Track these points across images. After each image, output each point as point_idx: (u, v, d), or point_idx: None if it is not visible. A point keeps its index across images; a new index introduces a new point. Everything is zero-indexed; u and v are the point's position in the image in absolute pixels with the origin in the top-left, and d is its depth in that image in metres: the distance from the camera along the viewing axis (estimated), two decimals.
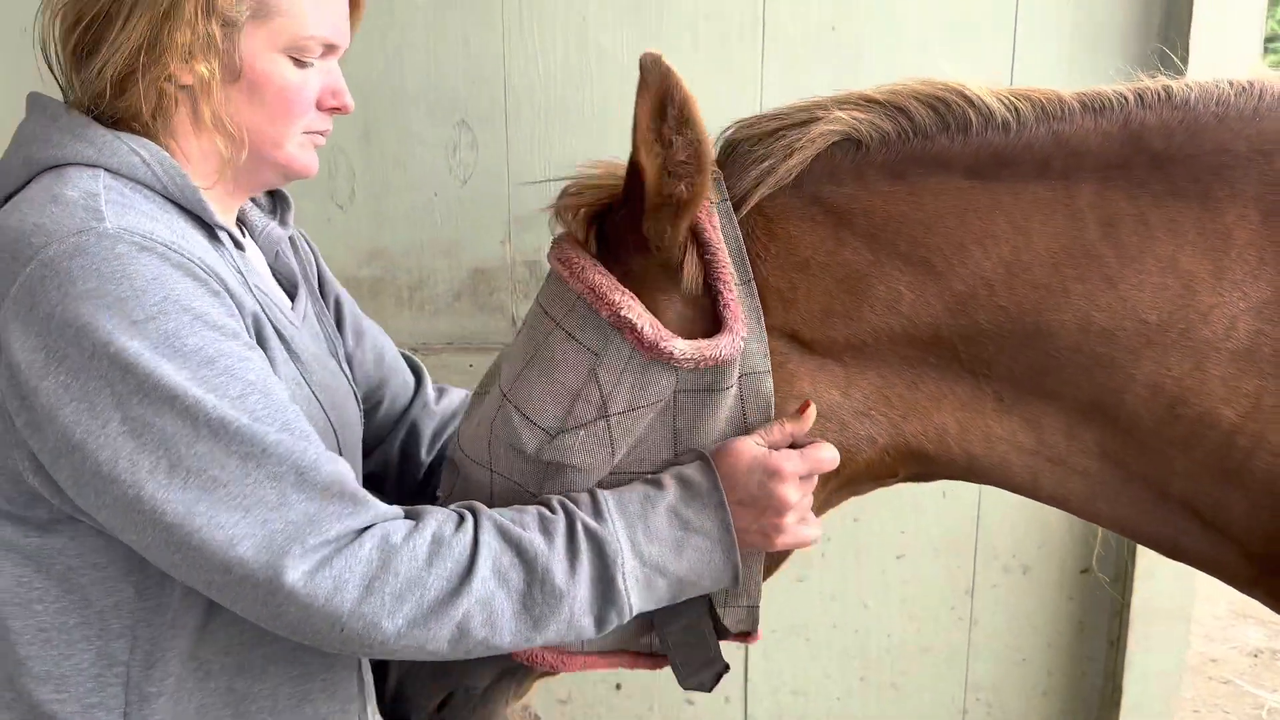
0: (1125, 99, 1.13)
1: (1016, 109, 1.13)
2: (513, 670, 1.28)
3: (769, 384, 1.15)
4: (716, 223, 1.15)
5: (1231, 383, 1.10)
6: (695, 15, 2.00)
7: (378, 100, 2.01)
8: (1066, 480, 1.19)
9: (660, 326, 1.12)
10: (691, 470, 1.14)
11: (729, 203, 1.16)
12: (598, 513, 1.10)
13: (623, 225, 1.17)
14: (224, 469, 1.00)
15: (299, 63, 1.16)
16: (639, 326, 1.11)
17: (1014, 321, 1.13)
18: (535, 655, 1.22)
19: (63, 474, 1.02)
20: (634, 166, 1.12)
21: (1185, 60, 1.91)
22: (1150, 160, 1.11)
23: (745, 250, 1.15)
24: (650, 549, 1.10)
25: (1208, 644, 3.61)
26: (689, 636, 1.22)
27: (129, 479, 0.99)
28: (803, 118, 1.16)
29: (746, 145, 1.17)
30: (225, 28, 1.12)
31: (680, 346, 1.11)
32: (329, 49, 1.19)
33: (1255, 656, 3.59)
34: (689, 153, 1.07)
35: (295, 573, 0.99)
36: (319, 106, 1.20)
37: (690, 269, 1.14)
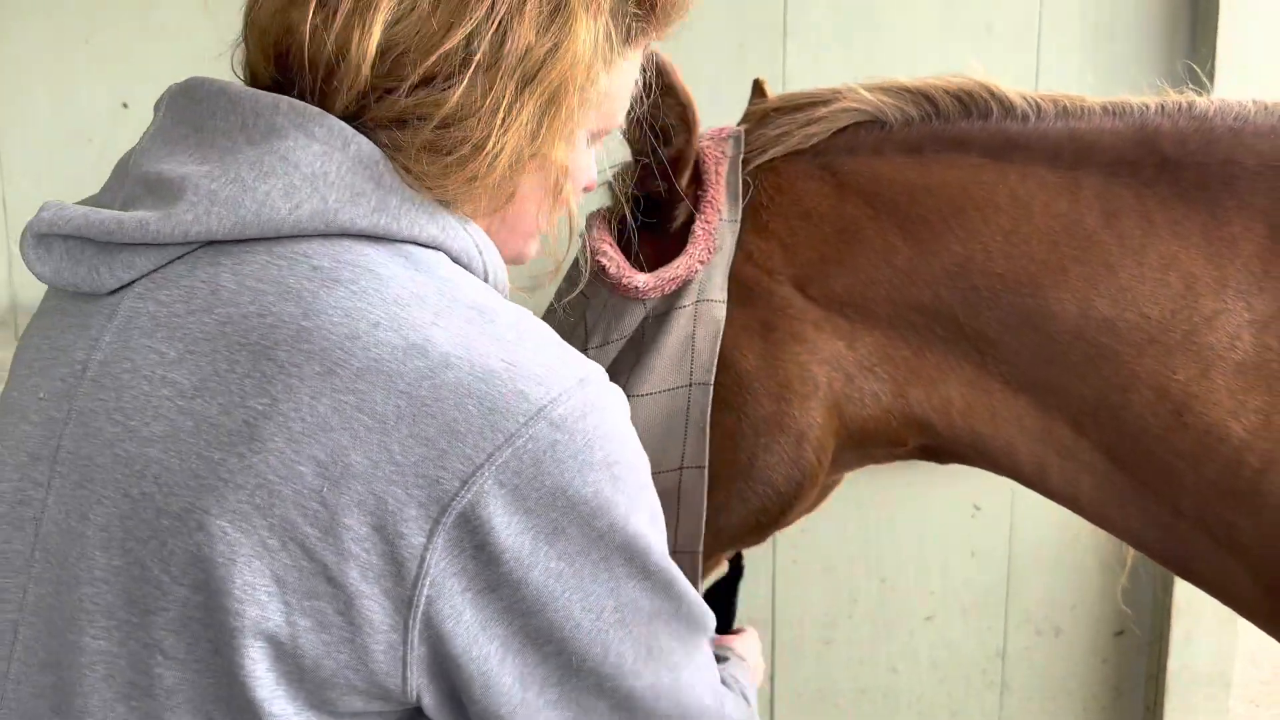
0: (1146, 106, 1.16)
1: (1038, 105, 1.18)
2: None
3: (722, 311, 1.21)
4: (723, 170, 1.23)
5: (1239, 395, 1.09)
6: (716, 28, 2.00)
7: None
8: (1077, 477, 1.19)
9: (625, 265, 1.21)
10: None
11: (741, 156, 1.24)
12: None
13: (637, 186, 1.26)
14: (684, 644, 0.89)
15: (590, 143, 0.98)
16: (607, 268, 1.21)
17: (1012, 293, 1.15)
18: None
19: (502, 676, 0.80)
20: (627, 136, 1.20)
21: (1212, 68, 1.92)
22: (1160, 163, 1.13)
23: (741, 195, 1.22)
24: None
25: (1254, 709, 3.50)
26: None
27: (613, 671, 0.83)
28: (830, 96, 1.24)
29: (774, 113, 1.26)
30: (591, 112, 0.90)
31: (641, 279, 1.20)
32: None
33: None
34: (675, 114, 1.17)
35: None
36: None
37: (683, 215, 1.24)
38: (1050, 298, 1.14)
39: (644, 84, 1.06)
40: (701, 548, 1.22)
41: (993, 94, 1.19)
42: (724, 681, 1.04)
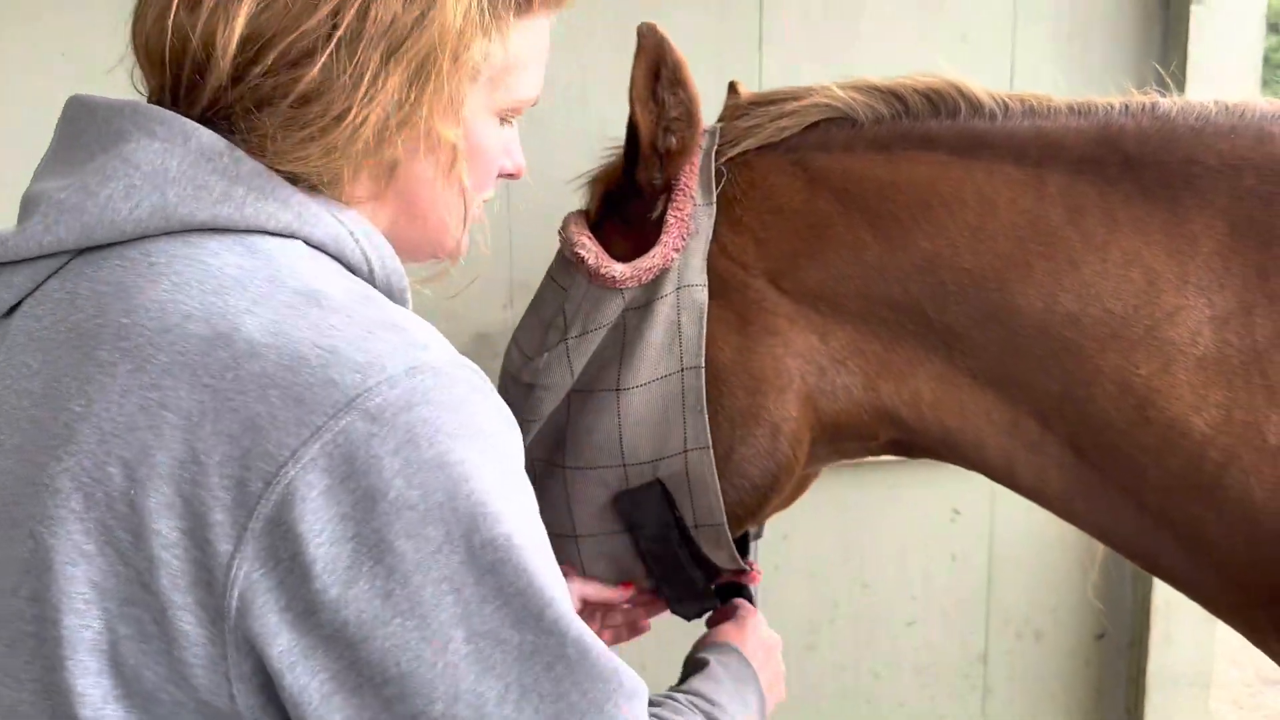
0: (1111, 106, 1.19)
1: (1006, 104, 1.21)
2: None
3: (704, 295, 1.22)
4: (697, 160, 1.25)
5: (1200, 390, 1.11)
6: (693, 37, 2.01)
7: None
8: (1044, 471, 1.20)
9: (603, 256, 1.23)
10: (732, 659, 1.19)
11: (714, 148, 1.26)
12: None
13: (623, 179, 1.28)
14: (587, 700, 0.75)
15: (502, 122, 0.93)
16: (585, 259, 1.23)
17: (978, 288, 1.17)
18: None
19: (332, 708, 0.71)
20: (632, 124, 1.23)
21: (1183, 76, 1.95)
22: (1123, 161, 1.15)
23: (715, 183, 1.24)
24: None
25: (1237, 711, 3.51)
26: (679, 581, 1.31)
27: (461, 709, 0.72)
28: (802, 92, 1.27)
29: (748, 107, 1.29)
30: (470, 84, 0.86)
31: (618, 269, 1.22)
32: None
33: None
34: (680, 110, 1.20)
35: None
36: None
37: (662, 205, 1.25)
38: (1016, 292, 1.16)
39: (650, 74, 1.15)
40: (725, 520, 1.25)
41: (961, 93, 1.21)
42: None
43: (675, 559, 1.28)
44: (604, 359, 1.24)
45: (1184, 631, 2.17)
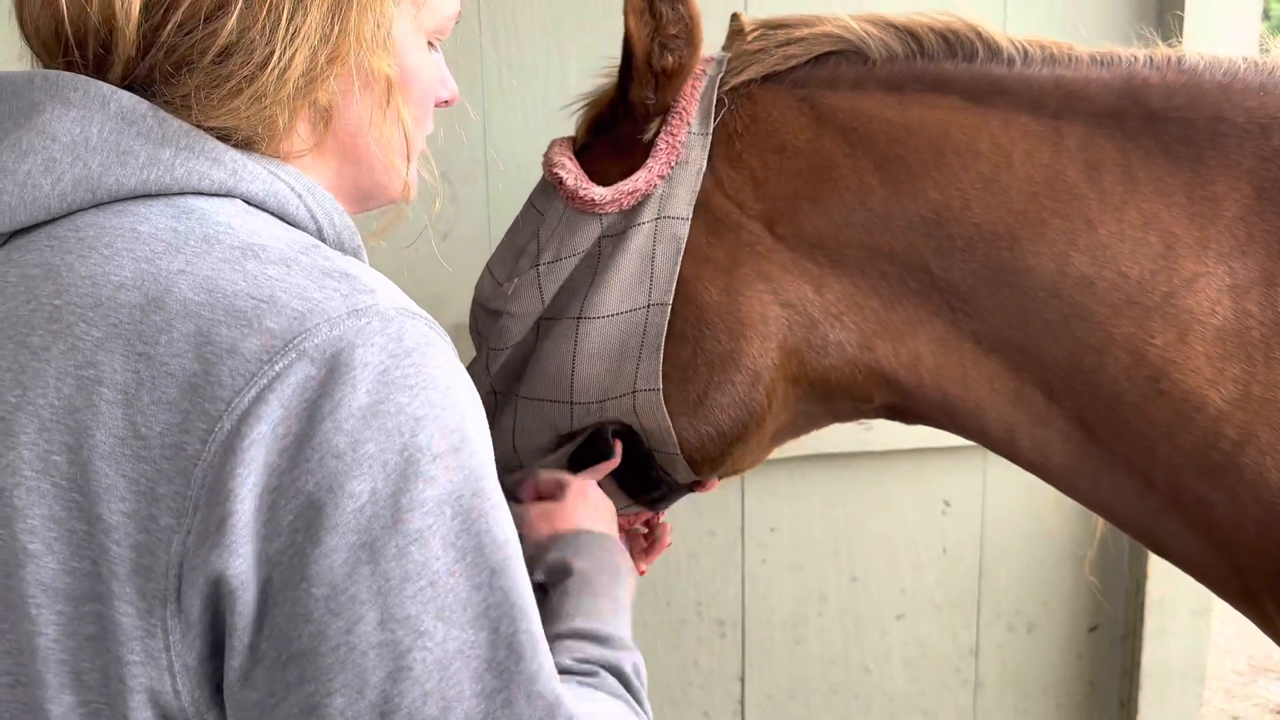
0: (1135, 58, 1.13)
1: (1025, 50, 1.15)
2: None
3: (684, 230, 1.16)
4: (700, 85, 1.19)
5: (1218, 363, 1.06)
6: None
7: None
8: (1047, 444, 1.15)
9: (583, 177, 1.18)
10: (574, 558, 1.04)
11: (720, 76, 1.20)
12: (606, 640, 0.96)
13: (615, 98, 1.23)
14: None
15: (430, 46, 0.89)
16: (564, 179, 1.18)
17: (988, 244, 1.11)
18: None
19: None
20: (627, 37, 1.16)
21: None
22: (1145, 115, 1.10)
23: (715, 111, 1.18)
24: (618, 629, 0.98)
25: (1229, 701, 3.50)
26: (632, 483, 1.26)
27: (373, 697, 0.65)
28: (814, 20, 1.21)
29: (756, 30, 1.23)
30: (395, 6, 0.82)
31: (599, 191, 1.16)
32: None
33: (1279, 714, 3.49)
34: (680, 27, 1.14)
35: None
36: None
37: (655, 127, 1.19)
38: (1027, 251, 1.10)
39: None
40: (679, 451, 1.20)
41: (980, 35, 1.16)
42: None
43: (638, 483, 1.25)
44: (575, 286, 1.18)
45: (1178, 624, 2.15)
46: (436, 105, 0.93)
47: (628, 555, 1.11)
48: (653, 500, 1.30)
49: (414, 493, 0.65)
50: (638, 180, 1.16)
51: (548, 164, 1.22)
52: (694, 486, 1.30)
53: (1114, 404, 1.10)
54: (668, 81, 1.17)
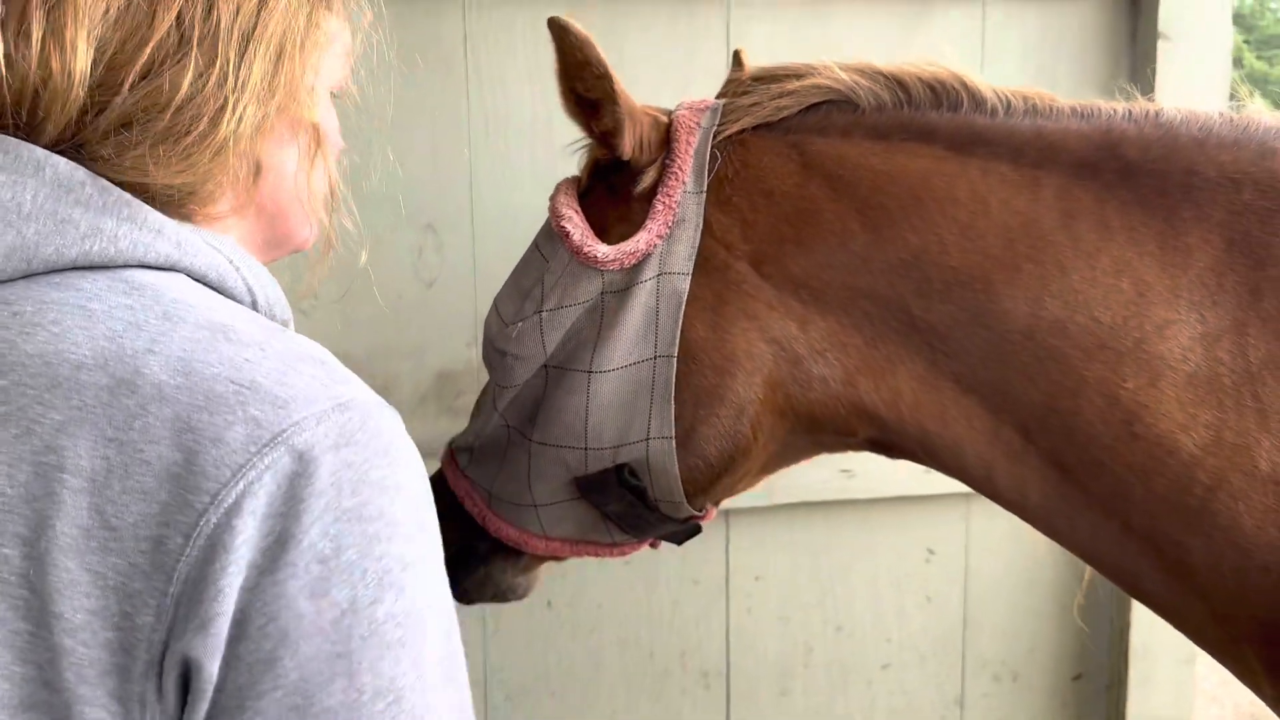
0: (1114, 111, 1.16)
1: (1008, 100, 1.18)
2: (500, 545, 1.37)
3: (685, 284, 1.21)
4: (694, 140, 1.24)
5: (1190, 409, 1.07)
6: (661, 67, 1.99)
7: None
8: (1025, 483, 1.17)
9: (588, 233, 1.22)
10: None
11: (714, 128, 1.25)
12: None
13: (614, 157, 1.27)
14: None
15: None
16: (570, 233, 1.22)
17: (964, 287, 1.14)
18: (499, 529, 1.33)
19: None
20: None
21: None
22: (1122, 168, 1.13)
23: (708, 167, 1.23)
24: None
25: None
26: (648, 532, 1.33)
27: None
28: (805, 70, 1.25)
29: (750, 84, 1.27)
30: (325, 57, 0.83)
31: (603, 249, 1.21)
32: None
33: None
34: (598, 88, 1.18)
35: None
36: None
37: (649, 179, 1.24)
38: (1002, 295, 1.13)
39: (562, 56, 1.12)
40: (684, 499, 1.26)
41: (965, 85, 1.19)
42: None
43: (642, 520, 1.30)
44: (581, 338, 1.23)
45: (1163, 673, 2.14)
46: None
47: None
48: (646, 536, 1.36)
49: (388, 604, 0.64)
50: (639, 242, 1.21)
51: (554, 213, 1.25)
52: (690, 520, 1.34)
53: (1089, 446, 1.11)
54: (609, 142, 1.22)
